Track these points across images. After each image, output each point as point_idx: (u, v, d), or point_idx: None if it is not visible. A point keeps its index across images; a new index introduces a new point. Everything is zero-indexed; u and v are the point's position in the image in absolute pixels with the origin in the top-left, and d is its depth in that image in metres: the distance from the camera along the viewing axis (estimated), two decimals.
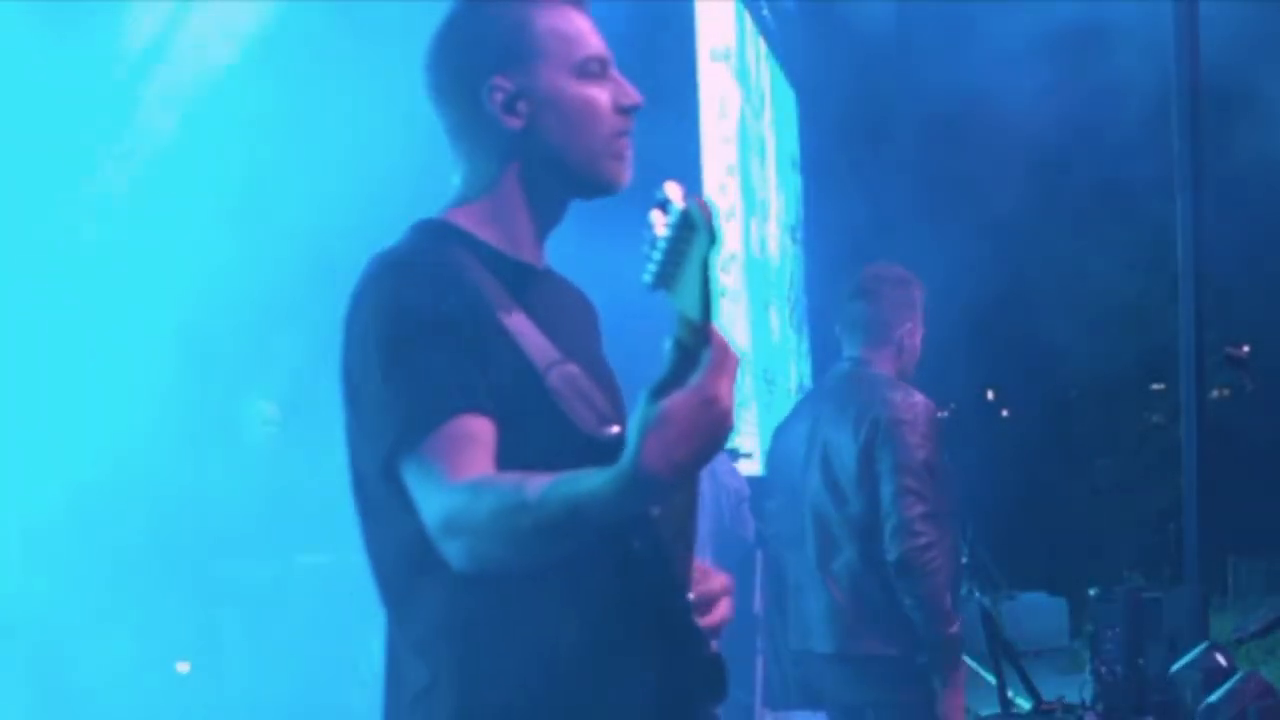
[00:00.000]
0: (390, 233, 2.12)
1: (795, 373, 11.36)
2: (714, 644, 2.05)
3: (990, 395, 21.33)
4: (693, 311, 1.70)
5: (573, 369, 2.03)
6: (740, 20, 9.68)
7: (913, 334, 4.26)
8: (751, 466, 7.83)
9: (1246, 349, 5.83)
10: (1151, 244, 17.40)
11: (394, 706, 2.07)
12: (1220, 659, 5.19)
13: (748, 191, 9.74)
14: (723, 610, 2.07)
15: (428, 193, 2.23)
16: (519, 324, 2.02)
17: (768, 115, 10.77)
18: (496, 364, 1.97)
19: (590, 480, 1.76)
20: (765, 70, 10.76)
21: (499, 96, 2.08)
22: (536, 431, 1.96)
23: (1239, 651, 5.46)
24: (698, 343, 1.73)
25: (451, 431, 1.89)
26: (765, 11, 10.83)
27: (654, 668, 2.01)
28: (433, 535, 1.88)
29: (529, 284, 2.11)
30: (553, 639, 1.97)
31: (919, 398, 4.07)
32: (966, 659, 8.10)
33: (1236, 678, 4.92)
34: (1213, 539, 7.43)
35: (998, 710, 7.18)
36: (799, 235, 11.95)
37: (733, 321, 8.86)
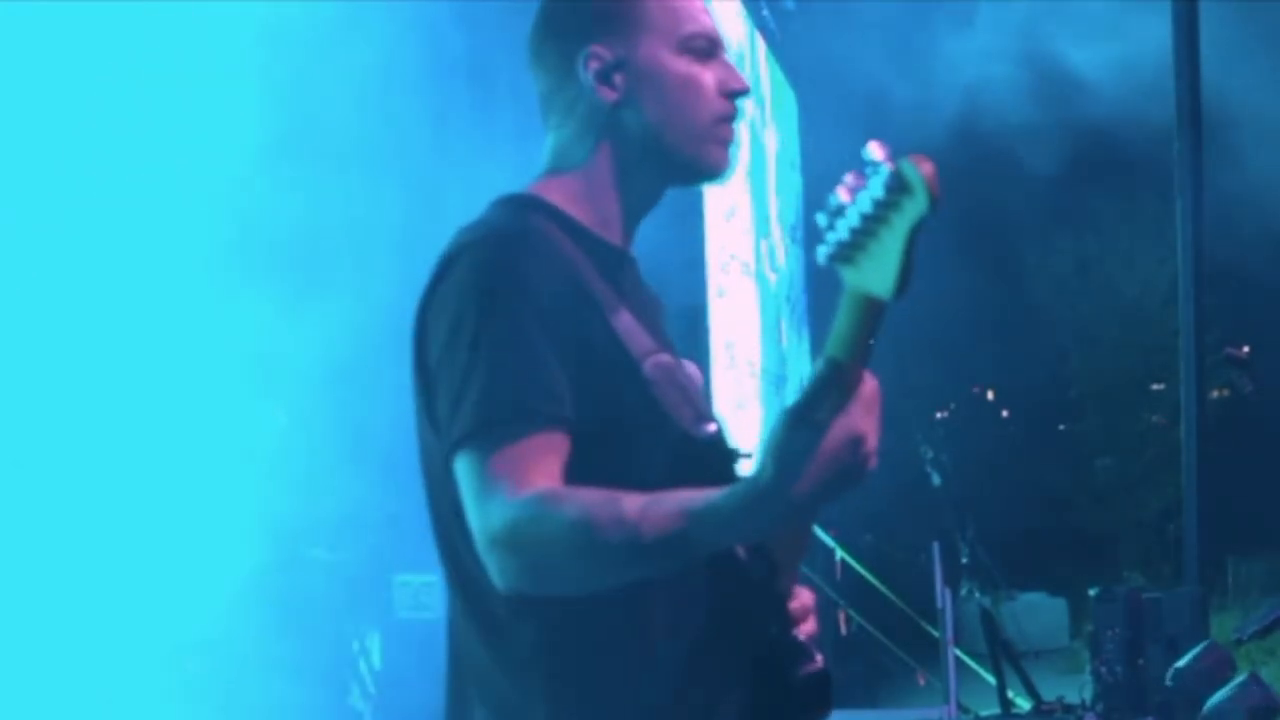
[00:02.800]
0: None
1: (796, 374, 11.36)
2: (819, 659, 1.90)
3: (990, 395, 21.31)
4: (882, 288, 1.52)
5: (668, 359, 1.89)
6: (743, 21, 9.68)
7: None
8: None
9: (1246, 349, 5.84)
10: (1151, 244, 17.41)
11: None
12: (1220, 659, 5.19)
13: (758, 194, 9.75)
14: (810, 626, 1.95)
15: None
16: (613, 308, 1.87)
17: (768, 115, 10.77)
18: (592, 349, 1.81)
19: (705, 500, 1.61)
20: (765, 70, 10.76)
21: (595, 65, 1.94)
22: (631, 424, 1.81)
23: (1239, 651, 5.46)
24: (859, 357, 1.55)
25: (530, 446, 1.72)
26: (765, 11, 10.83)
27: (752, 691, 1.87)
28: (483, 546, 1.70)
29: (619, 268, 1.97)
30: (653, 663, 1.83)
31: None
32: (966, 659, 8.14)
33: (1237, 679, 4.92)
34: (1213, 539, 7.43)
35: (998, 710, 7.19)
36: (799, 235, 11.95)
37: (742, 322, 8.86)
